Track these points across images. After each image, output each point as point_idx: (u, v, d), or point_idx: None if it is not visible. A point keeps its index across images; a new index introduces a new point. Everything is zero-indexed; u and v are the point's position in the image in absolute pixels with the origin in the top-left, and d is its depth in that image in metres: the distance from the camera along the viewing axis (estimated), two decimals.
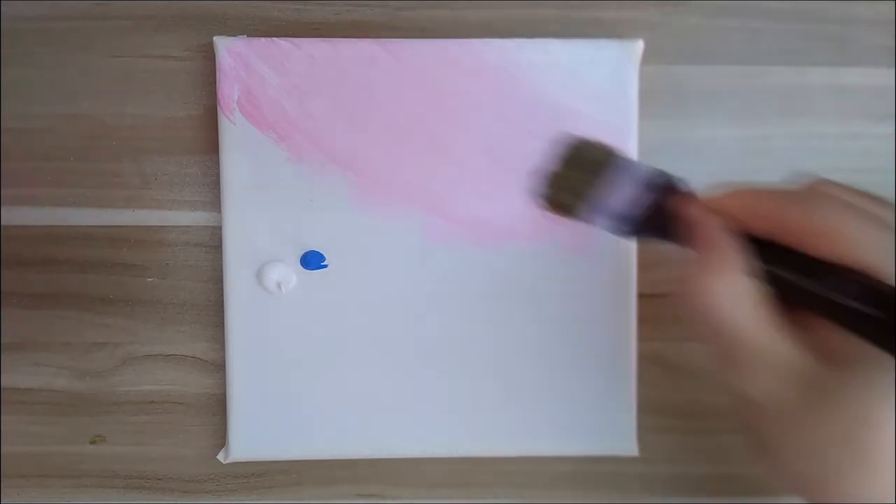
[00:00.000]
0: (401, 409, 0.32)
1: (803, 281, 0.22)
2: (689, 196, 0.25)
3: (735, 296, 0.22)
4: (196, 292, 0.33)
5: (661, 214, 0.25)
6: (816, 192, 0.23)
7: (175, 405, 0.33)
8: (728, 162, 0.33)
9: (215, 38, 0.31)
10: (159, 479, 0.33)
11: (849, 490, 0.21)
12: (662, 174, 0.26)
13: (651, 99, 0.32)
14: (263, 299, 0.31)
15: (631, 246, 0.32)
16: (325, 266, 0.31)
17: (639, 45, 0.31)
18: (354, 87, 0.31)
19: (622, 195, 0.26)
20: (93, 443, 0.33)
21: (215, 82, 0.31)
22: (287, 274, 0.31)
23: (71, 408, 0.33)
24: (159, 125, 0.32)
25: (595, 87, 0.31)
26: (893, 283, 0.20)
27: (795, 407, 0.21)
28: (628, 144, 0.31)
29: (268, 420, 0.32)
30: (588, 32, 0.32)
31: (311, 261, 0.31)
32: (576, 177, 0.26)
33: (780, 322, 0.22)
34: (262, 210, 0.31)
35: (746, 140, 0.33)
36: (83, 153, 0.32)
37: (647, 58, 0.31)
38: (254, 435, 0.32)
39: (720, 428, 0.34)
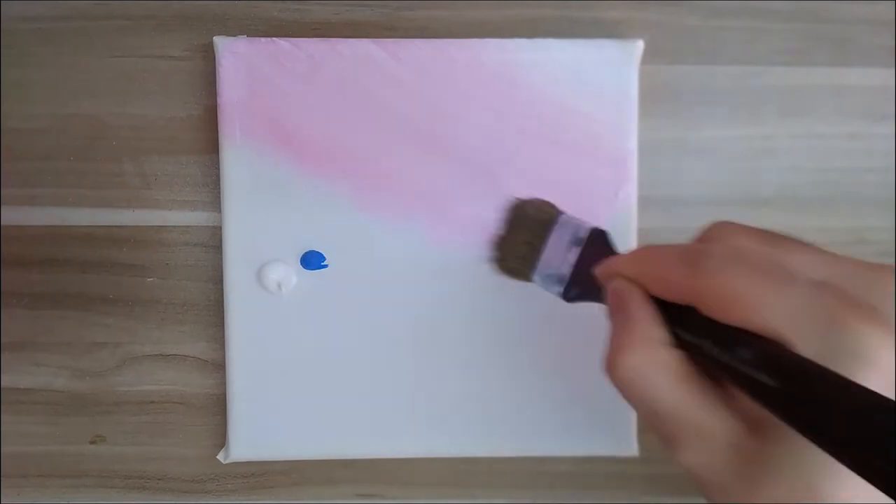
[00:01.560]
0: (401, 409, 0.32)
1: (713, 350, 0.20)
2: (607, 262, 0.24)
3: (652, 371, 0.21)
4: (196, 292, 0.33)
5: (592, 279, 0.25)
6: (716, 251, 0.21)
7: (175, 405, 0.33)
8: (728, 162, 0.33)
9: (215, 38, 0.31)
10: (159, 479, 0.33)
11: None
12: (593, 234, 0.26)
13: (651, 99, 0.32)
14: (263, 299, 0.31)
15: (631, 245, 0.32)
16: (325, 266, 0.31)
17: (639, 45, 0.31)
18: (354, 87, 0.31)
19: (559, 258, 0.26)
20: (93, 443, 0.33)
21: (215, 82, 0.31)
22: (287, 274, 0.31)
23: (71, 408, 0.33)
24: (159, 125, 0.32)
25: (595, 87, 0.31)
26: (798, 349, 0.19)
27: (733, 480, 0.20)
28: (628, 144, 0.31)
29: (268, 420, 0.32)
30: (588, 32, 0.32)
31: (311, 261, 0.31)
32: (519, 240, 0.27)
33: (706, 392, 0.21)
34: (262, 210, 0.31)
35: (746, 140, 0.33)
36: (83, 153, 0.32)
37: (647, 58, 0.31)
38: (254, 435, 0.32)
39: None
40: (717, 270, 0.20)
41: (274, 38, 0.31)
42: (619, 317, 0.22)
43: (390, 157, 0.31)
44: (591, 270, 0.25)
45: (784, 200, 0.34)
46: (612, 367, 0.22)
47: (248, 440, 0.32)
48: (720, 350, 0.20)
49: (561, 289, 0.26)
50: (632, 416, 0.32)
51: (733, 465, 0.20)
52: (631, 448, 0.32)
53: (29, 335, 0.33)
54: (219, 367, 0.33)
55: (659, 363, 0.21)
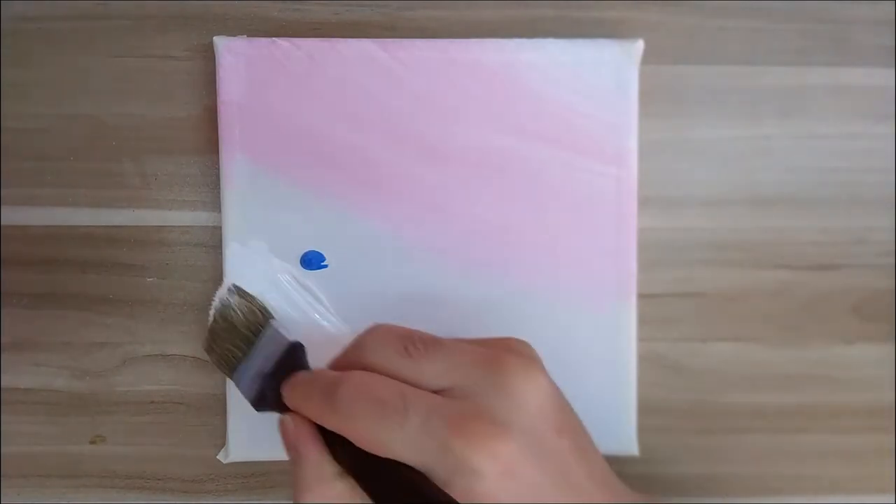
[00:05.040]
0: None
1: (367, 478, 0.22)
2: (284, 389, 0.25)
3: None
4: (196, 292, 0.33)
5: (279, 396, 0.26)
6: (344, 391, 0.23)
7: (175, 405, 0.33)
8: (728, 162, 0.33)
9: (215, 38, 0.31)
10: (159, 479, 0.33)
11: None
12: (290, 347, 0.26)
13: (651, 99, 0.32)
14: (263, 299, 0.31)
15: (631, 246, 0.32)
16: (326, 266, 0.31)
17: (639, 45, 0.31)
18: (354, 87, 0.31)
19: (255, 369, 0.26)
20: (93, 443, 0.33)
21: (215, 82, 0.31)
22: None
23: (71, 408, 0.33)
24: (159, 125, 0.32)
25: (595, 87, 0.31)
26: (430, 473, 0.21)
27: None
28: (628, 144, 0.31)
29: (268, 420, 0.32)
30: (588, 32, 0.32)
31: (311, 261, 0.31)
32: (226, 337, 0.27)
33: None
34: (261, 210, 0.31)
35: (746, 140, 0.33)
36: (83, 153, 0.32)
37: (647, 58, 0.32)
38: (254, 435, 0.32)
39: (720, 428, 0.34)
40: (346, 412, 0.22)
41: (274, 38, 0.31)
42: (292, 454, 0.24)
43: (390, 157, 0.31)
44: (279, 387, 0.26)
45: (784, 200, 0.34)
46: None
47: (248, 440, 0.32)
48: (370, 479, 0.22)
49: (252, 397, 0.27)
50: (632, 416, 0.32)
51: None
52: (631, 448, 0.32)
53: (29, 335, 0.33)
54: None
55: (336, 499, 0.23)
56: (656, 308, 0.33)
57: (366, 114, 0.31)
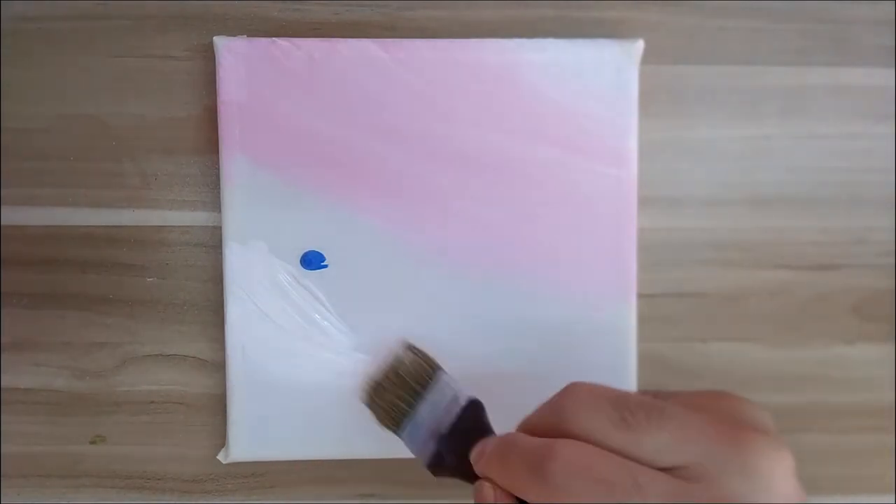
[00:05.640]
0: None
1: None
2: (477, 454, 0.23)
3: None
4: (196, 292, 0.33)
5: (462, 457, 0.24)
6: (559, 462, 0.20)
7: (175, 405, 0.33)
8: (728, 162, 0.33)
9: (215, 38, 0.31)
10: (159, 479, 0.33)
11: None
12: (471, 404, 0.24)
13: (651, 99, 0.32)
14: (263, 299, 0.31)
15: (631, 246, 0.32)
16: (326, 266, 0.31)
17: (639, 45, 0.31)
18: (354, 87, 0.31)
19: (428, 426, 0.24)
20: (93, 443, 0.33)
21: (215, 82, 0.31)
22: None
23: (71, 408, 0.33)
24: (159, 125, 0.32)
25: (595, 87, 0.31)
26: None
27: None
28: (628, 144, 0.31)
29: (268, 420, 0.32)
30: (588, 32, 0.32)
31: (312, 261, 0.31)
32: (395, 393, 0.25)
33: None
34: (261, 210, 0.31)
35: (746, 140, 0.33)
36: (83, 153, 0.32)
37: (647, 58, 0.32)
38: (254, 435, 0.32)
39: None
40: (562, 491, 0.20)
41: (274, 38, 0.31)
42: None
43: (390, 157, 0.31)
44: (462, 447, 0.24)
45: (784, 200, 0.34)
46: None
47: (248, 440, 0.32)
48: None
49: (428, 460, 0.25)
50: None
51: None
52: None
53: (29, 335, 0.33)
54: (219, 367, 0.33)
55: None
56: (656, 308, 0.33)
57: (366, 114, 0.31)
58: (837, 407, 0.34)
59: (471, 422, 0.24)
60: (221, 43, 0.31)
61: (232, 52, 0.31)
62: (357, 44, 0.31)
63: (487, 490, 0.22)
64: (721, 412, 0.22)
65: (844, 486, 0.35)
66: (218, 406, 0.33)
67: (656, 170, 0.33)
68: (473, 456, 0.23)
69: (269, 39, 0.31)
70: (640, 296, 0.32)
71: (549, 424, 0.22)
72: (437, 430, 0.24)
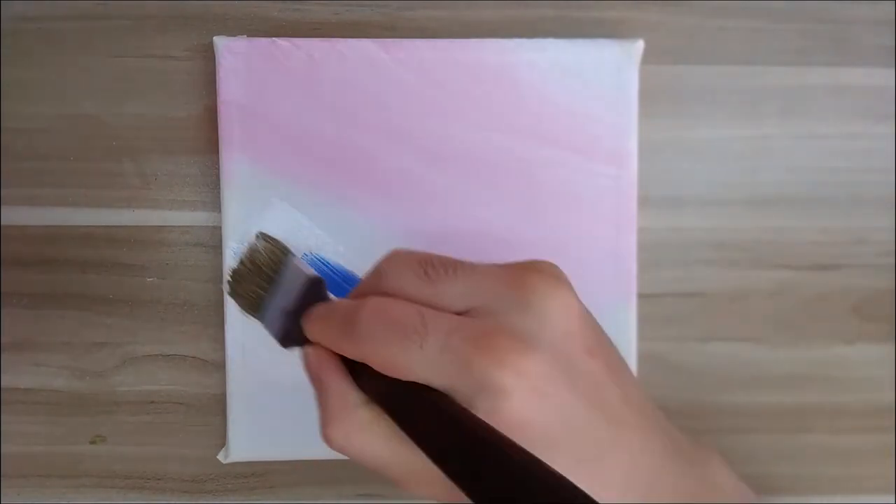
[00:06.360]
0: None
1: (391, 403, 0.22)
2: (305, 321, 0.25)
3: (358, 437, 0.22)
4: (196, 292, 0.33)
5: (302, 331, 0.25)
6: (362, 316, 0.22)
7: (175, 405, 0.33)
8: (728, 162, 0.33)
9: (215, 38, 0.31)
10: (159, 479, 0.33)
11: None
12: (310, 281, 0.25)
13: (651, 99, 0.32)
14: None
15: (631, 246, 0.32)
16: (326, 266, 0.31)
17: (639, 45, 0.31)
18: (354, 87, 0.31)
19: (278, 306, 0.26)
20: (93, 443, 0.33)
21: (215, 82, 0.31)
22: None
23: (71, 408, 0.33)
24: (159, 125, 0.32)
25: (595, 87, 0.31)
26: (454, 393, 0.20)
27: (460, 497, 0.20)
28: (628, 144, 0.31)
29: (268, 420, 0.32)
30: (588, 32, 0.32)
31: (312, 262, 0.31)
32: (251, 278, 0.27)
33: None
34: (262, 210, 0.31)
35: (746, 140, 0.33)
36: (83, 153, 0.32)
37: (647, 58, 0.32)
38: (254, 435, 0.32)
39: (720, 428, 0.34)
40: (365, 337, 0.21)
41: (274, 38, 0.31)
42: (316, 385, 0.23)
43: (390, 157, 0.31)
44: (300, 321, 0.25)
45: (784, 200, 0.34)
46: (325, 439, 0.22)
47: (248, 440, 0.32)
48: (395, 405, 0.21)
49: (278, 336, 0.26)
50: None
51: (455, 491, 0.20)
52: None
53: (29, 335, 0.33)
54: (219, 367, 0.33)
55: (362, 427, 0.22)
56: (656, 308, 0.33)
57: (366, 114, 0.31)
58: (837, 407, 0.34)
59: (313, 297, 0.25)
60: (221, 43, 0.31)
61: (232, 52, 0.31)
62: (357, 44, 0.31)
63: (310, 354, 0.24)
64: (519, 265, 0.23)
65: (844, 486, 0.35)
66: (218, 406, 0.33)
67: (656, 170, 0.33)
68: (304, 322, 0.25)
69: (269, 39, 0.31)
70: (640, 296, 0.32)
71: (369, 286, 0.24)
72: (286, 308, 0.26)
